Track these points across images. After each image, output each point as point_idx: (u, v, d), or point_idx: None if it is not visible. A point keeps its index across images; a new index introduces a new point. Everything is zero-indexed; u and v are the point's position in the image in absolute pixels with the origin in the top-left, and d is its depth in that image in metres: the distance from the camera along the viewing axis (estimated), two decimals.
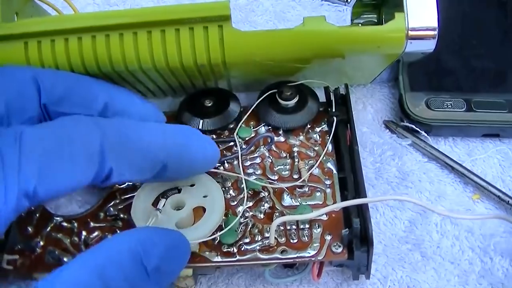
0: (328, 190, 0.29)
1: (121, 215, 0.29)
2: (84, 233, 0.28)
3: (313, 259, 0.26)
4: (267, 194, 0.29)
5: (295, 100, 0.31)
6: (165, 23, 0.27)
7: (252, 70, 0.30)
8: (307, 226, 0.27)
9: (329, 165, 0.30)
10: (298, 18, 0.39)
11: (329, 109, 0.31)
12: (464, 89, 0.34)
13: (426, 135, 0.33)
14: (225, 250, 0.27)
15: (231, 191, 0.29)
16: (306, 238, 0.27)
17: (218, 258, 0.27)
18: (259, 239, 0.27)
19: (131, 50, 0.27)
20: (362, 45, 0.28)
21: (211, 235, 0.26)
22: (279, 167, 0.30)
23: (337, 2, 0.40)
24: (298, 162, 0.30)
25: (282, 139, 0.31)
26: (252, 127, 0.31)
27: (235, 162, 0.30)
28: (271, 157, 0.30)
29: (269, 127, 0.31)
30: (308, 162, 0.30)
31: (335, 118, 0.30)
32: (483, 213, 0.31)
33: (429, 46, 0.28)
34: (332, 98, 0.31)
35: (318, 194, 0.29)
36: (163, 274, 0.22)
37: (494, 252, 0.29)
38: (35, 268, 0.27)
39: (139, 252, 0.22)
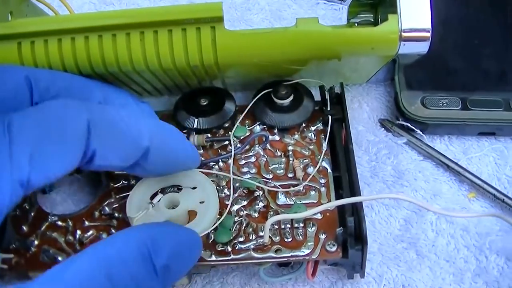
0: (323, 189, 0.29)
1: (116, 214, 0.29)
2: (79, 232, 0.28)
3: (307, 258, 0.26)
4: (261, 193, 0.29)
5: (290, 99, 0.31)
6: (157, 24, 0.27)
7: (246, 71, 0.30)
8: (301, 225, 0.27)
9: (324, 164, 0.30)
10: (294, 16, 0.39)
11: (324, 108, 0.31)
12: (459, 87, 0.34)
13: (421, 133, 0.33)
14: (219, 249, 0.27)
15: (225, 190, 0.29)
16: (301, 237, 0.27)
17: (213, 257, 0.27)
18: (253, 238, 0.27)
19: (124, 51, 0.27)
20: (355, 46, 0.28)
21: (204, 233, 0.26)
22: (274, 166, 0.30)
23: (333, 1, 0.40)
24: (293, 161, 0.30)
25: (277, 138, 0.31)
26: (247, 126, 0.31)
27: (230, 161, 0.30)
28: (266, 156, 0.30)
29: (264, 126, 0.31)
30: (303, 161, 0.30)
31: (330, 117, 0.30)
32: (478, 211, 0.31)
33: (422, 48, 0.27)
34: (327, 97, 0.31)
35: (312, 193, 0.29)
36: (171, 273, 0.22)
37: (490, 251, 0.29)
38: (30, 267, 0.27)
39: (148, 249, 0.21)
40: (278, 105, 0.31)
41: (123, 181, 0.30)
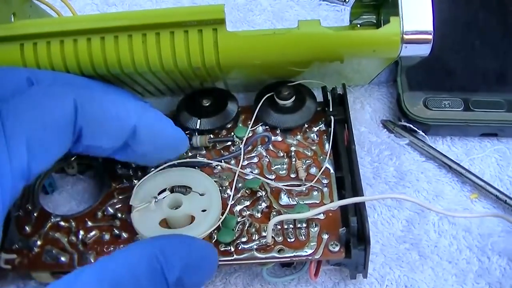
0: (326, 190, 0.29)
1: (119, 215, 0.29)
2: (81, 232, 0.28)
3: (310, 258, 0.27)
4: (264, 193, 0.29)
5: (293, 100, 0.31)
6: (159, 26, 0.27)
7: (248, 72, 0.30)
8: (304, 225, 0.27)
9: (327, 164, 0.30)
10: (296, 17, 0.40)
11: (326, 109, 0.31)
12: (462, 88, 0.34)
13: (424, 134, 0.33)
14: (222, 249, 0.27)
15: (228, 191, 0.29)
16: (303, 237, 0.27)
17: None
18: (256, 238, 0.27)
19: (126, 52, 0.27)
20: (357, 48, 0.28)
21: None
22: (276, 166, 0.30)
23: (335, 2, 0.40)
24: (296, 161, 0.30)
25: (279, 138, 0.31)
26: (249, 127, 0.31)
27: (233, 162, 0.30)
28: (269, 157, 0.30)
29: (267, 127, 0.31)
30: (305, 161, 0.30)
31: (332, 118, 0.30)
32: (480, 212, 0.31)
33: (424, 50, 0.28)
34: (330, 98, 0.31)
35: (315, 193, 0.29)
36: (185, 286, 0.21)
37: (492, 252, 0.29)
38: (33, 267, 0.27)
39: (160, 262, 0.20)
40: (280, 106, 0.31)
41: (126, 182, 0.30)
